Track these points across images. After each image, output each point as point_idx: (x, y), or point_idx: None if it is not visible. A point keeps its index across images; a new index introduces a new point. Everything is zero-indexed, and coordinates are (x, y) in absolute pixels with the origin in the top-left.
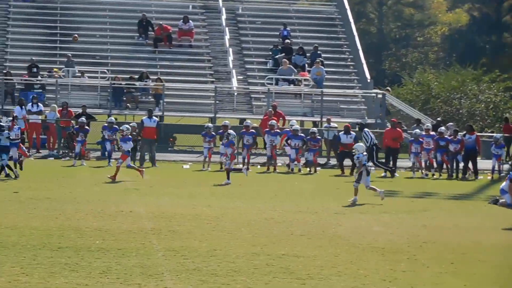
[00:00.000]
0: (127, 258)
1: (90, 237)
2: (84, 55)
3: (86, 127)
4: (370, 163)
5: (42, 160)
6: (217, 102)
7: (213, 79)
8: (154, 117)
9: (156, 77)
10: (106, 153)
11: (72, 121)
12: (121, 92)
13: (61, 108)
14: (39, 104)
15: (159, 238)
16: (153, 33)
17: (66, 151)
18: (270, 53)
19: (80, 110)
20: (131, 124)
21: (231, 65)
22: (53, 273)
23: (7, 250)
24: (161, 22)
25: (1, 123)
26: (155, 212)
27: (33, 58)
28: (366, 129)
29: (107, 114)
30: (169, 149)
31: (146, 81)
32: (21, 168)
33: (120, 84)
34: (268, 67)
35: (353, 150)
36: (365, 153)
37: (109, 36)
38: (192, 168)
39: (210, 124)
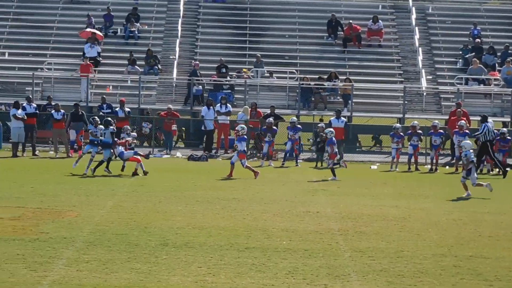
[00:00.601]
0: (314, 258)
1: (277, 237)
2: (273, 55)
3: (274, 127)
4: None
5: (229, 161)
6: (405, 102)
7: (402, 79)
8: (342, 118)
9: (345, 77)
10: (288, 153)
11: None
12: (310, 92)
13: (250, 109)
14: (227, 104)
15: (346, 238)
16: (342, 33)
17: (254, 152)
18: (460, 52)
19: (268, 111)
20: (319, 125)
21: (420, 65)
22: (239, 273)
23: (194, 250)
24: (350, 21)
25: (109, 119)
26: (342, 212)
27: (222, 58)
28: (487, 124)
29: (295, 115)
30: (356, 150)
31: (334, 81)
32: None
33: (309, 84)
34: (457, 66)
35: (460, 147)
36: (471, 150)
37: (298, 36)
38: (380, 169)
39: (398, 125)
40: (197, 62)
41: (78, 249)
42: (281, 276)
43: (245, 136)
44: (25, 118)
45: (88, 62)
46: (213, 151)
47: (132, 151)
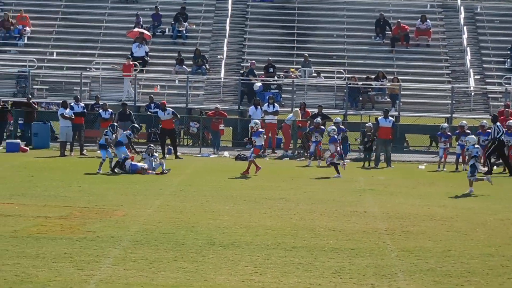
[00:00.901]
0: (361, 258)
1: (324, 237)
2: (321, 55)
3: (322, 127)
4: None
5: (277, 161)
6: (453, 102)
7: (450, 79)
8: (390, 117)
9: (392, 77)
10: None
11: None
12: (357, 92)
13: (299, 109)
14: (275, 104)
15: (393, 238)
16: (390, 32)
17: (301, 151)
18: (509, 52)
19: (316, 110)
20: (366, 124)
21: (468, 65)
22: (286, 272)
23: (241, 249)
24: (399, 21)
25: (136, 126)
26: (389, 212)
27: (270, 58)
28: (498, 123)
29: (343, 114)
30: (404, 149)
31: (382, 81)
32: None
33: (356, 84)
34: (506, 66)
35: (464, 142)
36: (476, 145)
37: (346, 36)
38: (427, 169)
39: (445, 124)
40: (254, 61)
41: (125, 248)
42: (328, 276)
43: (261, 130)
44: (73, 117)
45: (131, 62)
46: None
47: (145, 165)
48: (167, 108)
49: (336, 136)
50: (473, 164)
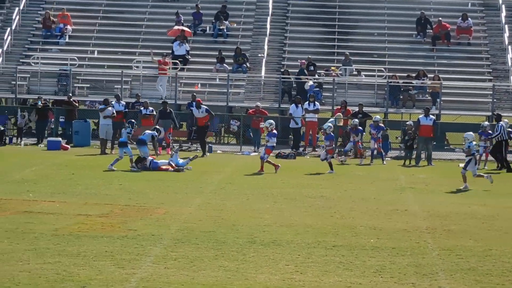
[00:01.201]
0: (401, 257)
1: (365, 235)
2: (362, 53)
3: (359, 127)
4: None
5: (316, 158)
6: (494, 100)
7: (491, 77)
8: (430, 115)
9: (433, 75)
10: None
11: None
12: (398, 91)
13: (339, 107)
14: (315, 102)
15: (434, 237)
16: (431, 31)
17: (341, 150)
18: None
19: (356, 109)
20: (407, 123)
21: (509, 63)
22: (327, 271)
23: (281, 248)
24: (440, 19)
25: (157, 127)
26: (430, 210)
27: (310, 56)
28: (502, 123)
29: (384, 113)
30: (445, 147)
31: (423, 79)
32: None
33: (397, 82)
34: None
35: (463, 139)
36: (474, 142)
37: (387, 34)
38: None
39: (486, 123)
40: (304, 61)
41: (166, 247)
42: (369, 275)
43: (275, 132)
44: (114, 114)
45: (166, 60)
46: (301, 148)
47: (166, 161)
48: (202, 106)
49: (332, 134)
50: (470, 160)
